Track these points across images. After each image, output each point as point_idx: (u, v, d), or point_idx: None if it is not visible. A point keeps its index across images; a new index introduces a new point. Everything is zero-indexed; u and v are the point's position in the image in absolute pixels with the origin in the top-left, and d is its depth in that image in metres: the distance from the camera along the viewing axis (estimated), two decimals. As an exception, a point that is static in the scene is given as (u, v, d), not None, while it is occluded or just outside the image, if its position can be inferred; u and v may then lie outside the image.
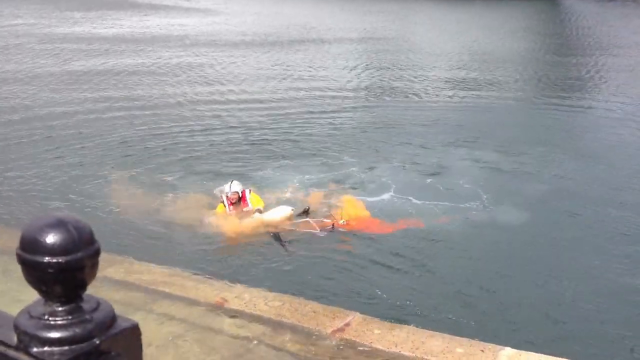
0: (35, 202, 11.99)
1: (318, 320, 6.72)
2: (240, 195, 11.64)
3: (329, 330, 6.48)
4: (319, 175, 14.18)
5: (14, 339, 1.14)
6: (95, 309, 1.18)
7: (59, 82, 24.15)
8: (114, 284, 7.55)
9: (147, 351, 5.89)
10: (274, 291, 7.91)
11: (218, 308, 7.14)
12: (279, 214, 10.99)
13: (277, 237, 10.58)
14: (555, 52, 35.50)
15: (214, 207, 11.75)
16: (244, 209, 11.59)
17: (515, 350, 6.17)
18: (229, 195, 11.51)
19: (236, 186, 11.61)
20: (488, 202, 12.48)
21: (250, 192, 11.79)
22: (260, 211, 11.43)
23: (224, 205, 11.54)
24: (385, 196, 12.89)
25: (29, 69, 26.50)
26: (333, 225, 10.95)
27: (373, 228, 11.16)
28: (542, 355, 6.15)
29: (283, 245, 10.35)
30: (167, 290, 7.75)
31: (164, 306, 7.21)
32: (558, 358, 6.14)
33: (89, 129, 17.46)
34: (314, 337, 6.39)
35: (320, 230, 10.86)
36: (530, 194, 13.03)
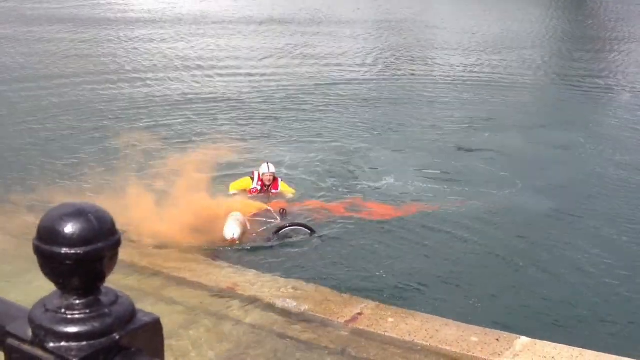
0: (48, 186, 11.90)
1: (331, 308, 6.67)
2: (274, 178, 11.51)
3: (342, 319, 6.43)
4: (323, 156, 14.05)
5: (28, 333, 1.08)
6: (115, 302, 1.12)
7: (64, 61, 24.15)
8: (125, 267, 7.53)
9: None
10: (285, 278, 7.87)
11: (229, 294, 7.11)
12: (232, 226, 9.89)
13: (299, 225, 10.32)
14: (579, 34, 35.22)
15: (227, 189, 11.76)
16: (272, 191, 11.49)
17: (530, 339, 6.11)
18: (265, 174, 11.35)
19: (273, 168, 11.49)
20: (505, 187, 12.30)
21: (281, 181, 11.71)
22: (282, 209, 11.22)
23: (252, 180, 11.44)
24: (396, 179, 12.75)
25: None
26: (283, 210, 10.60)
27: (383, 213, 11.06)
28: (558, 344, 6.09)
29: (310, 230, 10.15)
30: (178, 275, 7.73)
31: (175, 291, 7.18)
32: (574, 347, 6.08)
33: (100, 112, 17.42)
34: (326, 325, 6.34)
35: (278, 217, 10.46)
36: (550, 179, 12.84)
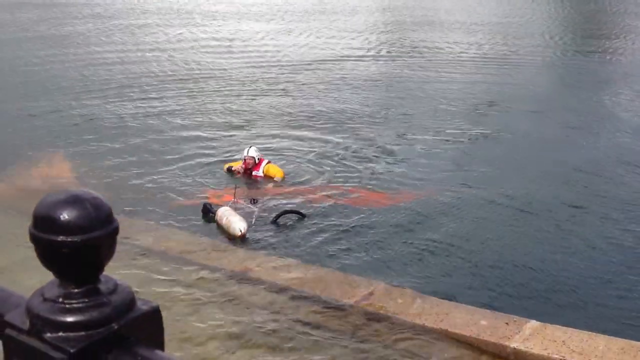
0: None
1: (341, 290, 6.68)
2: (256, 162, 11.93)
3: (352, 300, 6.44)
4: (320, 141, 13.97)
5: (26, 323, 1.07)
6: (113, 291, 1.10)
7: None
8: (139, 250, 7.57)
9: (171, 320, 5.92)
10: (295, 261, 7.88)
11: (241, 277, 7.13)
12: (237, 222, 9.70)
13: (287, 211, 10.31)
14: (591, 14, 34.83)
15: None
16: (254, 172, 11.92)
17: (540, 323, 6.09)
18: (246, 158, 11.97)
19: (253, 152, 12.00)
20: (514, 170, 12.19)
21: (267, 163, 12.03)
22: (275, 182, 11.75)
23: (241, 162, 12.06)
24: (399, 165, 12.66)
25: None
26: (253, 200, 10.50)
27: (387, 200, 11.00)
28: (568, 328, 6.07)
29: (301, 215, 10.20)
30: (191, 257, 7.76)
31: (187, 274, 7.21)
32: (584, 331, 6.06)
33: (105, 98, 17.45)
34: (337, 307, 6.35)
35: (252, 206, 10.37)
36: (560, 162, 12.66)
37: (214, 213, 10.01)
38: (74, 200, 1.08)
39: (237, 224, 9.42)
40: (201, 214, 10.31)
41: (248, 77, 19.86)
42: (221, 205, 10.17)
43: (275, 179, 11.82)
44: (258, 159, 11.96)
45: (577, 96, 18.11)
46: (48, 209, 1.07)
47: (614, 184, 11.82)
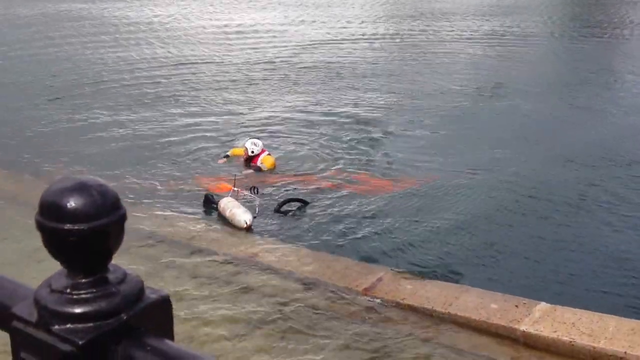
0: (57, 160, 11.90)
1: (350, 277, 6.68)
2: (251, 154, 11.80)
3: (361, 287, 6.44)
4: (320, 126, 13.92)
5: (34, 315, 1.05)
6: (122, 280, 1.08)
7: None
8: (145, 236, 7.57)
9: (179, 309, 5.92)
10: (304, 248, 7.87)
11: (249, 264, 7.13)
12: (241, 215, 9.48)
13: (290, 199, 10.27)
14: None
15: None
16: (251, 164, 11.83)
17: (550, 305, 6.08)
18: (245, 148, 12.05)
19: (248, 144, 11.93)
20: (520, 153, 12.09)
21: (267, 154, 11.94)
22: (260, 169, 11.67)
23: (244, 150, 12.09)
24: (404, 150, 12.56)
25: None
26: (254, 189, 10.44)
27: (392, 186, 10.94)
28: (578, 310, 6.06)
29: (301, 201, 10.17)
30: (198, 244, 7.77)
31: (195, 261, 7.22)
32: (594, 312, 6.05)
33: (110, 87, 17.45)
34: (346, 293, 6.35)
35: (253, 196, 10.28)
36: (565, 145, 12.59)
37: (217, 204, 9.92)
38: (80, 188, 1.06)
39: (242, 216, 9.30)
40: (203, 205, 10.23)
41: (247, 62, 19.80)
42: (223, 196, 10.08)
43: (259, 165, 11.66)
44: (252, 151, 11.72)
45: (582, 77, 18.00)
46: (54, 197, 1.05)
47: (625, 164, 11.73)
